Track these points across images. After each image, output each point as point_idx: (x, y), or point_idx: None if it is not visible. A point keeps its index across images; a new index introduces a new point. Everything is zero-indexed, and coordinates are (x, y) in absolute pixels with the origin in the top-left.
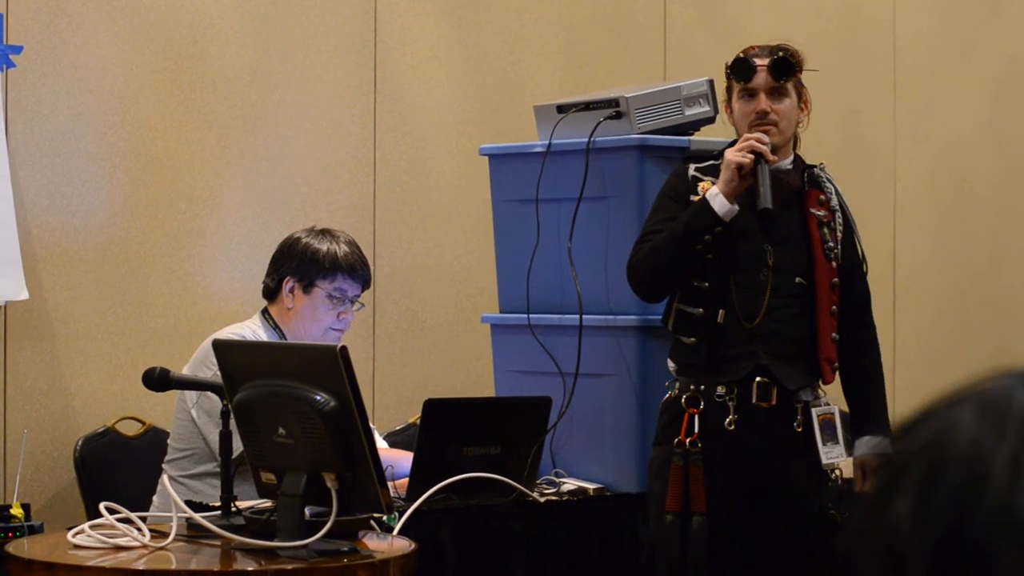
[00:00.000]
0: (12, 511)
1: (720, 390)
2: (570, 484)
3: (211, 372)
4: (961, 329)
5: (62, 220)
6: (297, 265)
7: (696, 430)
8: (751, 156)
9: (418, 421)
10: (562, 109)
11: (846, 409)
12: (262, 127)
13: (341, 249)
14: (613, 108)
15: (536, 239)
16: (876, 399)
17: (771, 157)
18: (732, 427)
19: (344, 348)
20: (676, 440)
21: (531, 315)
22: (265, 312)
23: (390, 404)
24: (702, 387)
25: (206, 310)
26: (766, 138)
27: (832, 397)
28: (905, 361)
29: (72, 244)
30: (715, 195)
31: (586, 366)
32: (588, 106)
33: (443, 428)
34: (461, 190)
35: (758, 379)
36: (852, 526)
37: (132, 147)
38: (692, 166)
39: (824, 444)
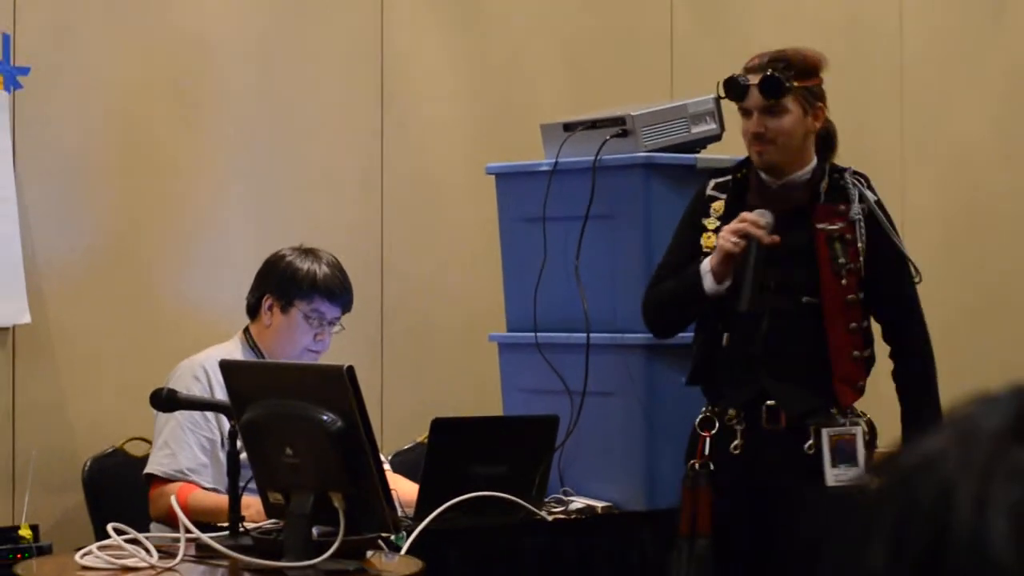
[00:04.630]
0: (21, 532)
1: (730, 412)
2: (579, 502)
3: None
4: (971, 342)
5: (70, 241)
6: (277, 283)
7: (707, 452)
8: (742, 243)
9: (426, 440)
10: (568, 127)
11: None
12: (269, 145)
13: (322, 270)
14: (619, 126)
15: (543, 257)
16: (910, 411)
17: (766, 241)
18: (737, 451)
19: (351, 368)
20: (691, 463)
21: (538, 333)
22: (247, 331)
23: (398, 423)
24: (715, 409)
25: (214, 330)
26: (763, 217)
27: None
28: None
29: (80, 264)
30: (706, 272)
31: (594, 384)
32: (594, 124)
33: (451, 447)
34: (468, 208)
35: (768, 403)
36: (829, 571)
37: (140, 167)
38: (712, 182)
39: (834, 466)
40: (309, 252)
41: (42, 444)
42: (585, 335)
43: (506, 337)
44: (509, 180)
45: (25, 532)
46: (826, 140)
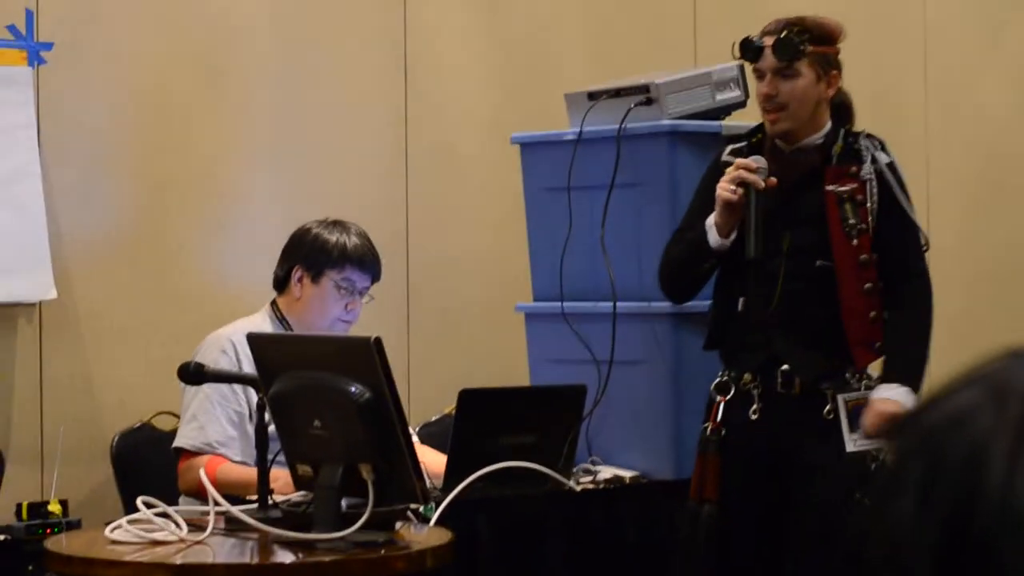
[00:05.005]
0: (50, 507)
1: (747, 377)
2: (606, 472)
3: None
4: (995, 311)
5: (95, 217)
6: (306, 254)
7: (719, 418)
8: (739, 191)
9: (453, 412)
10: (593, 96)
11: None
12: (293, 120)
13: (351, 240)
14: (644, 94)
15: (568, 227)
16: (899, 351)
17: (761, 185)
18: (756, 415)
19: (378, 339)
20: (704, 426)
21: (565, 303)
22: (274, 304)
23: (425, 395)
24: (731, 374)
25: (239, 304)
26: (756, 163)
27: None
28: (938, 344)
29: (105, 240)
30: (711, 227)
31: (620, 353)
32: (619, 93)
33: (479, 418)
34: (493, 179)
35: (783, 367)
36: (862, 522)
37: (163, 143)
38: (729, 147)
39: (851, 431)
40: (336, 224)
41: (70, 419)
42: (612, 304)
43: (532, 307)
44: (534, 150)
45: (54, 507)
46: (840, 109)
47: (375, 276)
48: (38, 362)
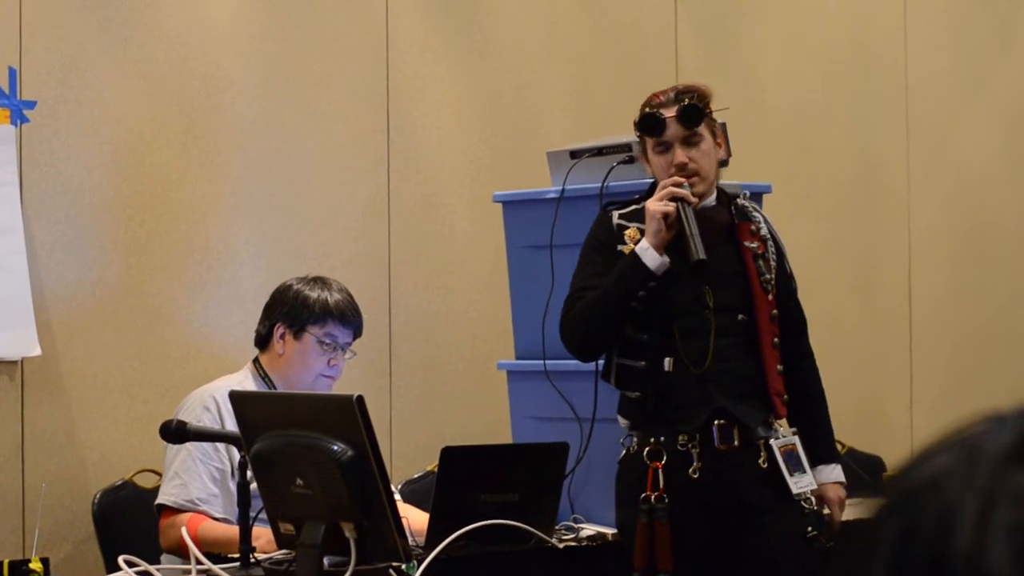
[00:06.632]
0: (31, 566)
1: (682, 439)
2: (589, 530)
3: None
4: (979, 367)
5: (78, 274)
6: (288, 311)
7: (661, 484)
8: (673, 204)
9: (435, 469)
10: (575, 155)
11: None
12: (276, 177)
13: (333, 296)
14: (626, 153)
15: (551, 285)
16: (822, 426)
17: (693, 200)
18: (697, 475)
19: (360, 397)
20: (642, 496)
21: (547, 361)
22: (256, 361)
23: (407, 452)
24: (662, 439)
25: (223, 361)
26: (683, 180)
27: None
28: (923, 399)
29: (88, 297)
30: (645, 249)
31: (603, 411)
32: (601, 151)
33: (461, 475)
34: (475, 237)
35: (717, 422)
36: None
37: (146, 199)
38: (616, 213)
39: (791, 475)
40: (318, 280)
41: (51, 477)
42: (594, 362)
43: (515, 365)
44: (516, 208)
45: (36, 566)
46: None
47: (357, 331)
48: (20, 419)
